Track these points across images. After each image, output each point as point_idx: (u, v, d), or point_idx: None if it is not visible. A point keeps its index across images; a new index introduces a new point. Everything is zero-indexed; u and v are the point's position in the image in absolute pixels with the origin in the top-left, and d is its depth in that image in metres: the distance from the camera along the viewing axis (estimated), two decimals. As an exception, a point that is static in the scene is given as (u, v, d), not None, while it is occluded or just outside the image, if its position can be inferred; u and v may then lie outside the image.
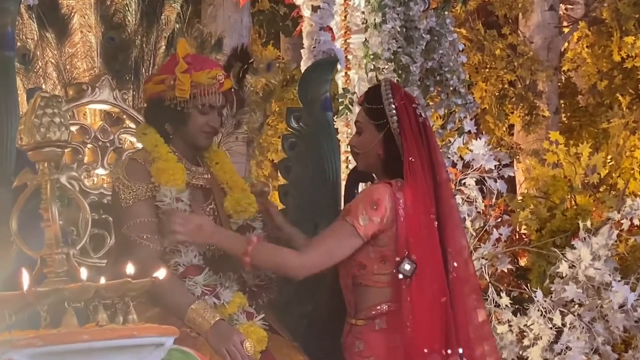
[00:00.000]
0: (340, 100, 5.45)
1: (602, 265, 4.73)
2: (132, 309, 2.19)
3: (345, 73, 5.49)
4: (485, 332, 2.95)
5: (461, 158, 4.97)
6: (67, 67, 3.52)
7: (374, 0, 5.32)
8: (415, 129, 2.93)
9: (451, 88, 5.53)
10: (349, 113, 5.44)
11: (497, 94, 9.34)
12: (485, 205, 5.09)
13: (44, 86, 3.42)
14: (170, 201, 2.89)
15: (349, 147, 5.20)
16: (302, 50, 5.58)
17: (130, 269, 2.22)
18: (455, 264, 2.88)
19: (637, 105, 8.85)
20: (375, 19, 5.32)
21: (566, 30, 9.91)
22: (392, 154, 2.93)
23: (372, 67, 5.32)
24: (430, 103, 5.54)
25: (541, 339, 4.70)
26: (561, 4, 9.95)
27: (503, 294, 4.82)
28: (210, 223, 2.90)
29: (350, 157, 5.25)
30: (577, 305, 4.73)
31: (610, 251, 4.80)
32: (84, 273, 2.18)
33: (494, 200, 5.12)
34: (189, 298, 2.84)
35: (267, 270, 2.93)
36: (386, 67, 5.30)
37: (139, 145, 3.10)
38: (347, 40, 5.49)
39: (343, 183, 3.48)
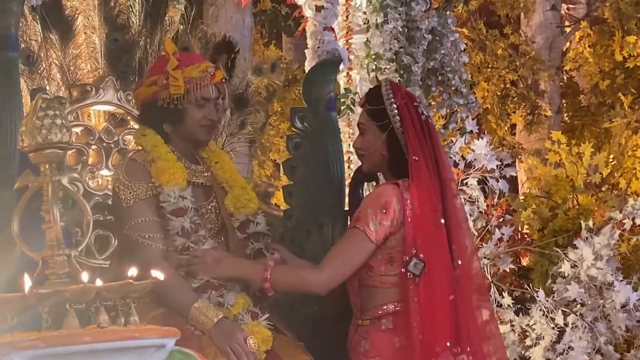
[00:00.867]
0: (342, 100, 5.45)
1: (604, 265, 4.73)
2: (134, 310, 2.19)
3: (347, 73, 5.49)
4: (489, 331, 2.95)
5: (463, 158, 4.97)
6: (71, 68, 3.53)
7: (375, 0, 5.32)
8: (418, 127, 2.93)
9: (453, 88, 5.53)
10: (350, 113, 5.44)
11: (499, 93, 9.33)
12: (487, 205, 5.09)
13: (48, 87, 3.42)
14: (175, 200, 2.90)
15: (351, 147, 5.23)
16: (306, 50, 5.57)
17: (132, 270, 2.22)
18: (460, 262, 2.88)
19: (639, 104, 8.85)
20: (376, 19, 5.32)
21: (568, 29, 9.91)
22: (396, 153, 2.93)
23: (374, 67, 5.32)
24: (432, 103, 5.54)
25: (543, 338, 4.69)
26: (563, 4, 9.94)
27: (505, 294, 4.82)
28: (227, 256, 2.91)
29: (353, 158, 5.28)
30: (579, 305, 4.73)
31: (613, 251, 4.80)
32: (85, 276, 2.18)
33: (496, 200, 5.11)
34: (191, 297, 2.84)
35: (290, 291, 2.93)
36: (388, 67, 5.30)
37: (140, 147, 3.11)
38: (349, 41, 5.49)
39: (347, 183, 3.49)
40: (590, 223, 4.88)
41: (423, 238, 2.83)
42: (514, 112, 9.34)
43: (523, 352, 4.73)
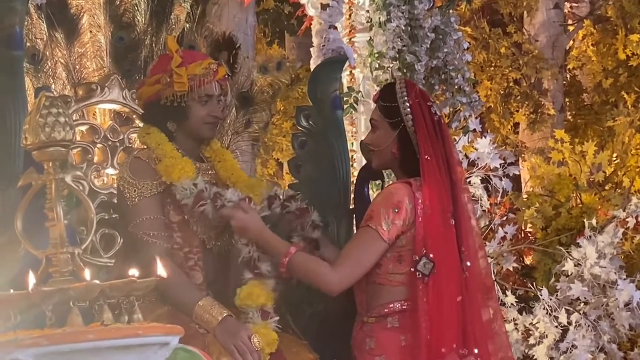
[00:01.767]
0: (345, 99, 5.45)
1: (607, 263, 4.73)
2: (137, 308, 2.19)
3: (350, 72, 5.49)
4: (495, 331, 2.94)
5: (466, 156, 4.96)
6: (77, 67, 3.53)
7: (378, -2, 5.32)
8: (430, 127, 2.92)
9: (456, 86, 5.53)
10: (353, 112, 5.45)
11: (502, 92, 9.33)
12: (490, 204, 5.08)
13: (53, 86, 3.42)
14: (191, 192, 2.90)
15: (354, 146, 5.23)
16: (311, 49, 5.57)
17: (133, 270, 2.22)
18: (469, 264, 2.87)
19: (643, 103, 8.83)
20: (379, 18, 5.32)
21: (571, 28, 9.89)
22: (407, 152, 2.93)
23: (377, 66, 5.32)
24: (435, 102, 5.54)
25: (547, 337, 4.69)
26: (566, 2, 9.93)
27: (508, 293, 4.82)
28: (255, 224, 2.89)
29: (356, 156, 5.28)
30: (582, 304, 4.73)
31: (616, 249, 4.80)
32: (87, 273, 2.18)
33: (499, 198, 5.11)
34: (196, 295, 2.85)
35: (301, 279, 2.92)
36: (391, 65, 5.30)
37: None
38: (352, 39, 5.49)
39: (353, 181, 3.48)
40: (594, 221, 4.88)
41: (433, 238, 2.83)
42: (517, 111, 9.33)
43: (526, 351, 4.73)
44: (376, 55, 5.35)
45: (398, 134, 2.94)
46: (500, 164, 4.89)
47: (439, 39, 5.52)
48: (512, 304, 4.79)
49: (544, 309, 4.71)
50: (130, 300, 2.19)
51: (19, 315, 2.15)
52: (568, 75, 10.21)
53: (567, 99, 9.97)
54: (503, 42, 9.26)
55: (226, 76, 3.08)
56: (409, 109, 2.92)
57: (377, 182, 3.51)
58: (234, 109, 3.64)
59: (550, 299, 4.73)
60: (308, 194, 3.38)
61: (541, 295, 4.73)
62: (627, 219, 4.96)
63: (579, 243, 4.83)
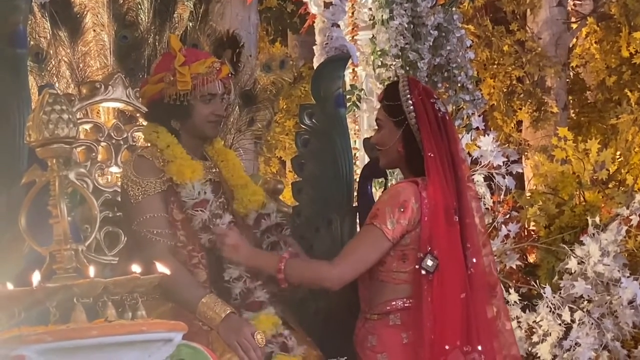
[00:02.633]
0: (347, 97, 5.45)
1: (611, 261, 4.72)
2: (141, 304, 2.19)
3: (353, 69, 5.50)
4: (500, 328, 2.94)
5: (469, 154, 4.96)
6: (80, 65, 3.54)
7: (381, -4, 5.32)
8: (434, 124, 2.92)
9: (459, 84, 5.53)
10: (356, 109, 5.45)
11: (505, 90, 9.32)
12: (493, 202, 5.08)
13: (57, 84, 3.43)
14: (198, 195, 2.92)
15: (357, 144, 5.23)
16: (314, 47, 5.57)
17: (136, 266, 2.22)
18: (474, 260, 2.87)
19: (646, 101, 8.82)
20: (382, 16, 5.32)
21: (574, 26, 9.88)
22: (412, 150, 2.92)
23: (380, 64, 5.32)
24: (440, 98, 5.54)
25: (550, 335, 4.69)
26: (569, 0, 9.92)
27: (512, 291, 4.82)
28: (245, 244, 2.92)
29: (359, 154, 5.28)
30: (586, 302, 4.72)
31: (619, 247, 4.79)
32: (92, 271, 2.18)
33: (502, 196, 5.11)
34: (199, 292, 2.85)
35: (303, 285, 2.93)
36: (394, 63, 5.30)
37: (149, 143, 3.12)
38: (355, 37, 5.50)
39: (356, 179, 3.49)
40: (597, 219, 4.87)
41: (438, 236, 2.82)
42: (520, 109, 9.32)
43: (530, 349, 4.72)
44: (379, 53, 5.35)
45: (403, 133, 2.93)
46: (503, 162, 4.88)
47: (442, 36, 5.52)
48: (515, 302, 4.79)
49: (547, 307, 4.70)
50: (134, 297, 2.19)
51: (23, 312, 2.15)
52: (571, 73, 10.20)
53: (570, 97, 9.97)
54: (506, 40, 9.25)
55: (229, 75, 3.08)
56: (412, 107, 2.92)
57: (380, 180, 3.51)
58: (237, 107, 3.65)
59: (554, 297, 4.72)
60: (311, 192, 3.38)
61: (544, 293, 4.72)
62: (630, 217, 4.95)
63: (582, 241, 4.82)
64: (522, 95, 9.29)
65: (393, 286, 2.88)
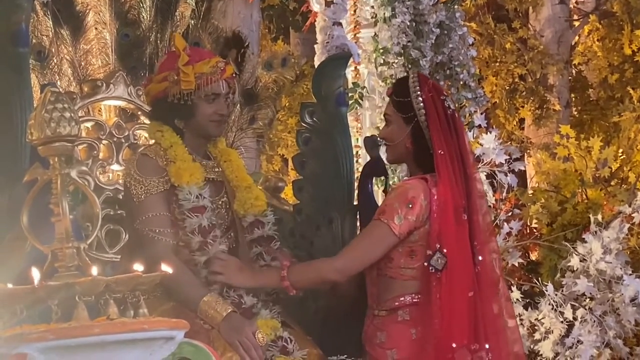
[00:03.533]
0: (350, 94, 5.45)
1: (613, 258, 4.72)
2: (143, 302, 2.19)
3: (355, 67, 5.50)
4: (508, 327, 2.93)
5: (471, 152, 4.95)
6: (82, 63, 3.54)
7: (383, -6, 5.32)
8: (443, 121, 2.91)
9: (461, 82, 5.53)
10: (358, 107, 5.45)
11: (507, 88, 9.32)
12: (495, 199, 5.08)
13: (59, 83, 3.43)
14: (195, 199, 2.92)
15: (359, 142, 5.23)
16: (315, 46, 5.58)
17: (138, 265, 2.22)
18: (481, 258, 2.87)
19: (648, 98, 8.81)
20: (384, 13, 5.33)
21: (577, 23, 9.88)
22: (421, 146, 2.92)
23: (382, 62, 5.33)
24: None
25: (552, 332, 4.69)
26: (571, -2, 9.92)
27: (514, 288, 4.82)
28: (247, 266, 2.92)
29: (361, 152, 5.28)
30: (588, 299, 4.72)
31: (622, 245, 4.79)
32: (94, 270, 2.18)
33: (504, 194, 5.10)
34: (200, 291, 2.85)
35: (311, 286, 2.92)
36: (396, 61, 5.31)
37: (153, 141, 3.12)
38: (357, 35, 5.50)
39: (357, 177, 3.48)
40: (599, 217, 4.87)
41: (446, 233, 2.82)
42: (523, 107, 9.32)
43: (532, 346, 4.72)
44: (381, 50, 5.36)
45: (412, 129, 2.93)
46: (505, 160, 4.88)
47: (444, 34, 5.52)
48: (517, 299, 4.79)
49: (549, 304, 4.70)
50: (135, 295, 2.19)
51: (25, 310, 2.15)
52: (574, 71, 10.20)
53: (572, 95, 9.96)
54: (508, 38, 9.25)
55: (234, 74, 3.08)
56: (421, 104, 2.91)
57: (382, 178, 3.51)
58: (238, 105, 3.65)
59: (556, 295, 4.72)
60: (312, 190, 3.38)
61: (547, 291, 4.72)
62: (632, 215, 4.95)
63: (584, 239, 4.82)
64: (524, 93, 9.29)
65: (401, 282, 2.88)
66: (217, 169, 3.10)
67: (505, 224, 5.00)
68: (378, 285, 2.92)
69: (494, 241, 3.04)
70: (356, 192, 3.43)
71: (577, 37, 10.01)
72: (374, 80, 5.46)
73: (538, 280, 4.90)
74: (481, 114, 5.52)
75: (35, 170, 2.33)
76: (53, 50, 3.46)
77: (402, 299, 2.88)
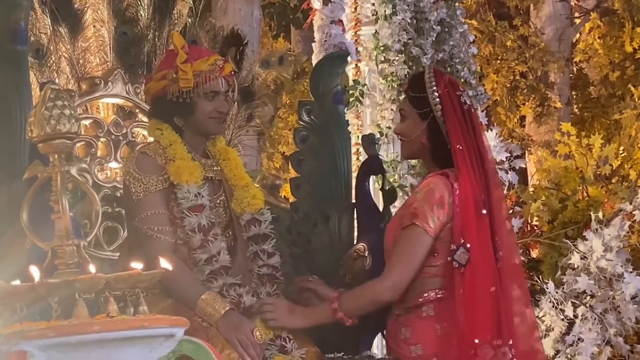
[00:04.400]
0: (350, 92, 5.45)
1: (614, 256, 4.72)
2: (143, 300, 2.19)
3: (356, 65, 5.49)
4: (531, 324, 2.93)
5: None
6: (80, 61, 3.54)
7: (384, -9, 5.31)
8: (460, 116, 2.90)
9: (462, 80, 5.52)
10: (359, 105, 5.45)
11: (508, 85, 9.31)
12: (496, 197, 5.07)
13: (57, 80, 3.43)
14: (194, 198, 2.92)
15: (359, 139, 5.22)
16: (313, 44, 5.57)
17: (138, 263, 2.22)
18: (501, 253, 2.86)
19: (649, 96, 8.80)
20: (385, 11, 5.32)
21: (578, 21, 9.87)
22: (437, 142, 2.91)
23: (383, 59, 5.32)
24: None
25: (553, 330, 4.69)
26: (573, -5, 9.91)
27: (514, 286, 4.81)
28: (296, 306, 2.91)
29: (361, 150, 5.27)
30: (588, 297, 4.72)
31: (622, 242, 4.79)
32: (92, 268, 2.18)
33: (505, 191, 5.10)
34: (199, 289, 2.86)
35: (365, 311, 2.88)
36: (397, 58, 5.30)
37: (152, 139, 3.12)
38: (357, 32, 5.49)
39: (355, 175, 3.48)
40: (600, 214, 4.87)
41: (468, 228, 2.81)
42: (524, 104, 9.31)
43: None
44: (382, 48, 5.36)
45: (428, 124, 2.92)
46: (506, 157, 4.89)
47: (445, 31, 5.52)
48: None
49: (550, 302, 4.70)
50: (135, 293, 2.19)
51: (26, 308, 2.15)
52: (575, 68, 10.18)
53: (573, 92, 9.95)
54: (509, 35, 9.24)
55: (232, 72, 3.08)
56: (438, 99, 2.90)
57: (379, 176, 3.50)
58: (235, 103, 3.65)
59: (557, 292, 4.72)
60: (309, 188, 3.39)
61: (547, 289, 4.73)
62: (633, 212, 4.95)
63: (585, 236, 4.82)
64: (525, 91, 9.28)
65: (424, 279, 2.86)
66: (215, 168, 3.10)
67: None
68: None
69: (513, 235, 3.03)
70: (354, 190, 3.44)
71: (578, 35, 10.00)
72: (375, 77, 5.45)
73: (539, 278, 4.90)
74: (482, 111, 5.51)
75: (35, 168, 2.33)
76: (51, 48, 3.46)
77: (426, 295, 2.87)
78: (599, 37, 9.66)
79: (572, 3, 9.93)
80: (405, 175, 5.32)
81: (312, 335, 3.03)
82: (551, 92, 9.36)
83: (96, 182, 3.35)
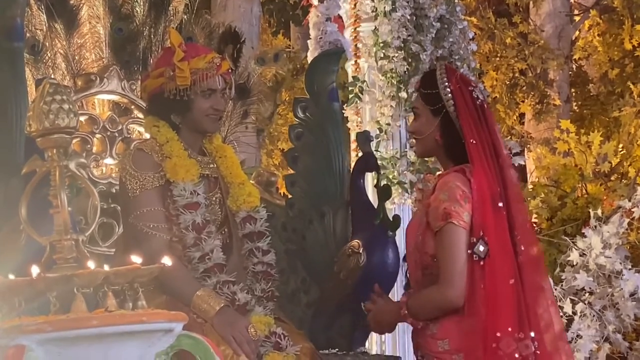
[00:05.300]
0: (350, 88, 5.44)
1: (612, 253, 4.73)
2: (142, 295, 2.19)
3: (355, 61, 5.48)
4: (551, 316, 2.93)
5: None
6: (76, 57, 3.54)
7: (383, -12, 5.30)
8: (472, 111, 2.89)
9: (461, 76, 5.50)
10: (358, 101, 5.44)
11: (507, 82, 9.31)
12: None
13: (53, 76, 3.43)
14: (190, 195, 2.92)
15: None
16: (308, 41, 5.57)
17: (137, 258, 2.22)
18: (523, 248, 2.86)
19: (649, 93, 8.81)
20: (385, 7, 5.31)
21: (577, 18, 9.86)
22: (451, 138, 2.89)
23: (382, 56, 5.31)
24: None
25: (551, 327, 4.68)
26: (572, -8, 9.90)
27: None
28: (378, 315, 2.94)
29: (361, 147, 5.26)
30: (587, 294, 4.73)
31: (621, 239, 4.80)
32: (92, 262, 2.18)
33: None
34: (194, 285, 2.86)
35: (433, 316, 2.85)
36: (396, 55, 5.29)
37: (147, 136, 3.12)
38: (357, 29, 5.47)
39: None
40: (599, 212, 4.88)
41: (486, 221, 2.80)
42: (523, 101, 9.31)
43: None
44: (381, 44, 5.34)
45: (440, 120, 2.92)
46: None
47: (445, 28, 5.51)
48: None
49: (548, 299, 4.70)
50: (134, 287, 2.18)
51: (24, 302, 2.15)
52: (574, 66, 10.18)
53: (573, 90, 9.95)
54: (509, 32, 9.23)
55: (229, 70, 3.08)
56: (450, 95, 2.90)
57: (374, 173, 3.51)
58: (231, 100, 3.65)
59: (555, 289, 4.72)
60: (305, 185, 3.39)
61: (546, 285, 4.72)
62: (632, 209, 4.96)
63: (584, 233, 4.83)
64: (524, 88, 9.28)
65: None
66: (212, 165, 3.10)
67: (504, 218, 5.00)
68: (423, 284, 2.90)
69: (532, 229, 3.02)
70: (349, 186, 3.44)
71: (577, 32, 9.99)
72: (374, 74, 5.44)
73: (537, 275, 4.89)
74: (481, 108, 5.49)
75: (33, 162, 2.32)
76: (47, 44, 3.47)
77: None
78: (598, 35, 9.66)
79: (572, 0, 9.92)
80: (405, 172, 5.31)
81: (305, 331, 3.04)
82: (550, 89, 9.35)
83: (92, 178, 3.35)
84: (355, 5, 5.47)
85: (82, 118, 3.44)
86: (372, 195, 3.64)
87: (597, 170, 6.48)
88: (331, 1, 5.51)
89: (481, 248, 2.78)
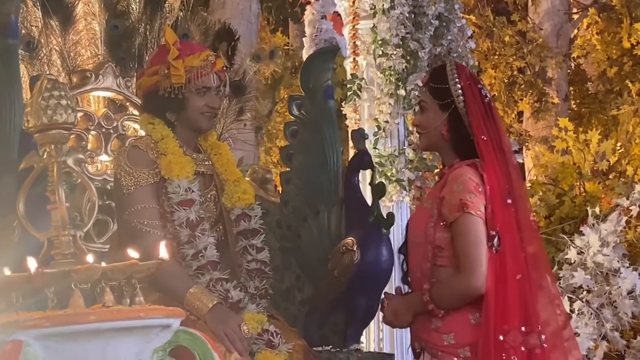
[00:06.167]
0: (348, 86, 5.45)
1: (610, 251, 4.73)
2: (139, 290, 2.19)
3: (354, 59, 5.48)
4: (557, 312, 2.93)
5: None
6: (71, 54, 3.54)
7: (382, -15, 5.30)
8: (481, 108, 2.92)
9: (460, 74, 5.50)
10: (357, 99, 5.44)
11: (506, 80, 9.31)
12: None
13: (48, 73, 3.43)
14: (184, 192, 2.93)
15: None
16: (304, 39, 5.57)
17: (134, 253, 2.22)
18: (526, 244, 2.87)
19: (647, 92, 8.81)
20: (383, 5, 5.31)
21: (576, 16, 9.86)
22: (458, 133, 2.91)
23: (381, 53, 5.30)
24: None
25: (549, 325, 4.69)
26: (571, -9, 9.91)
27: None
28: (397, 306, 2.94)
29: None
30: (585, 292, 4.74)
31: (619, 237, 4.80)
32: (89, 258, 2.18)
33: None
34: (187, 282, 2.86)
35: (456, 305, 2.87)
36: (394, 52, 5.29)
37: (143, 133, 3.12)
38: (356, 26, 5.47)
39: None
40: (597, 210, 4.89)
41: (498, 216, 2.82)
42: (521, 100, 9.31)
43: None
44: (380, 42, 5.34)
45: (449, 115, 2.93)
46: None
47: (443, 26, 5.51)
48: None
49: (546, 297, 4.70)
50: (131, 283, 2.18)
51: (22, 298, 2.15)
52: (572, 64, 10.18)
53: (571, 88, 9.95)
54: (507, 31, 9.23)
55: (224, 68, 3.09)
56: (460, 91, 2.92)
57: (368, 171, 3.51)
58: (226, 97, 3.65)
59: (553, 287, 4.72)
60: (299, 182, 3.39)
61: (543, 283, 4.72)
62: (630, 208, 4.96)
63: (582, 231, 4.84)
64: (523, 86, 9.28)
65: (453, 270, 2.86)
66: (207, 162, 3.10)
67: (502, 216, 5.00)
68: (430, 277, 2.90)
69: (536, 226, 3.02)
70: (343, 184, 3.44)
71: (576, 30, 9.99)
72: (373, 72, 5.43)
73: (535, 273, 4.90)
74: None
75: (31, 158, 2.32)
76: (42, 40, 3.46)
77: None
78: (596, 33, 9.66)
79: (570, -1, 9.93)
80: (403, 170, 5.31)
81: (299, 328, 3.04)
82: (549, 87, 9.36)
83: (86, 174, 3.35)
84: (353, 2, 5.47)
85: (77, 114, 3.44)
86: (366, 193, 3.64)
87: (595, 168, 6.48)
88: (326, -1, 5.52)
89: (496, 241, 2.81)
